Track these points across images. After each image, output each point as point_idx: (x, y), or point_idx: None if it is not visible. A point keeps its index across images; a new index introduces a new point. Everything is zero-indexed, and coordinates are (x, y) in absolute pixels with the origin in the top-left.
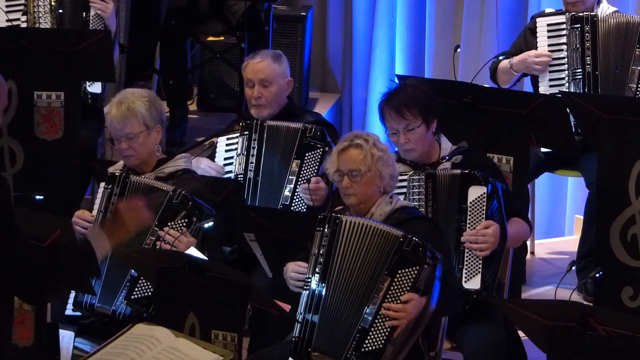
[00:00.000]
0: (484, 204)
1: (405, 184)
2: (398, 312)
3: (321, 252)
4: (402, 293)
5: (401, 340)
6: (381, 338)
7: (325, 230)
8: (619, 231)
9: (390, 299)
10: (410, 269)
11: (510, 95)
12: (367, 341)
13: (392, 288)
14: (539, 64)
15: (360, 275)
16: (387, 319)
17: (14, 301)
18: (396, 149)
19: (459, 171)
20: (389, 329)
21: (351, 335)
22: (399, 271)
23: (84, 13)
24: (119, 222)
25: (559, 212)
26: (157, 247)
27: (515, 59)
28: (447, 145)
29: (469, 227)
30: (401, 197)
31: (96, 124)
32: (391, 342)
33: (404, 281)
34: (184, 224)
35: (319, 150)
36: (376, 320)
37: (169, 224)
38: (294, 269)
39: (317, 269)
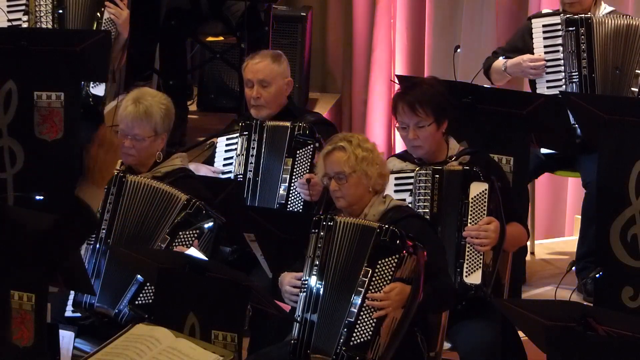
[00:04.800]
0: (486, 200)
1: (411, 180)
2: (381, 301)
3: (317, 254)
4: (385, 283)
5: (389, 331)
6: (368, 330)
7: (320, 232)
8: (619, 231)
9: (373, 290)
10: (390, 258)
11: (510, 96)
12: (354, 334)
13: (374, 279)
14: (533, 68)
15: (351, 272)
16: (371, 310)
17: (13, 301)
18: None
19: (460, 167)
20: (375, 320)
21: (340, 331)
22: (379, 261)
23: (98, 14)
24: (99, 164)
25: (559, 212)
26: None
27: (510, 62)
28: (455, 146)
29: (470, 223)
30: (407, 193)
31: (97, 126)
32: (379, 333)
33: (385, 271)
34: (195, 235)
35: (309, 147)
36: (361, 313)
37: (180, 233)
38: (289, 282)
39: (313, 271)
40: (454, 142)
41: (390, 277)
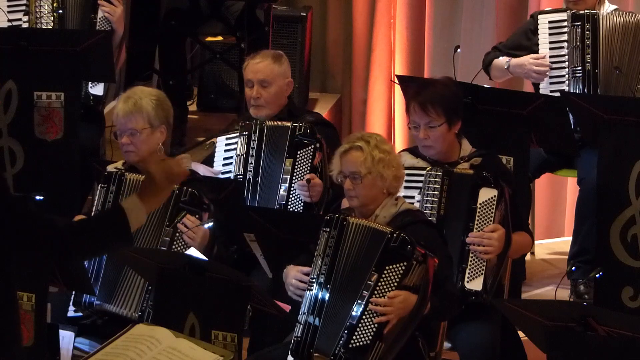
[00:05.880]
0: (493, 206)
1: (422, 178)
2: (385, 307)
3: (327, 253)
4: (390, 289)
5: (391, 337)
6: (369, 334)
7: (332, 231)
8: (619, 231)
9: (378, 295)
10: (398, 265)
11: (510, 96)
12: (354, 337)
13: (379, 284)
14: (537, 72)
15: (358, 274)
16: (374, 314)
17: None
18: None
19: (471, 171)
20: (376, 325)
21: (340, 332)
22: (387, 267)
23: (92, 15)
24: (154, 187)
25: (559, 212)
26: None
27: (514, 61)
28: (467, 147)
29: (476, 229)
30: (416, 192)
31: (97, 126)
32: (380, 338)
33: (392, 277)
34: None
35: (310, 148)
36: (364, 316)
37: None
38: (295, 276)
39: (322, 270)
40: (466, 143)
41: (396, 284)
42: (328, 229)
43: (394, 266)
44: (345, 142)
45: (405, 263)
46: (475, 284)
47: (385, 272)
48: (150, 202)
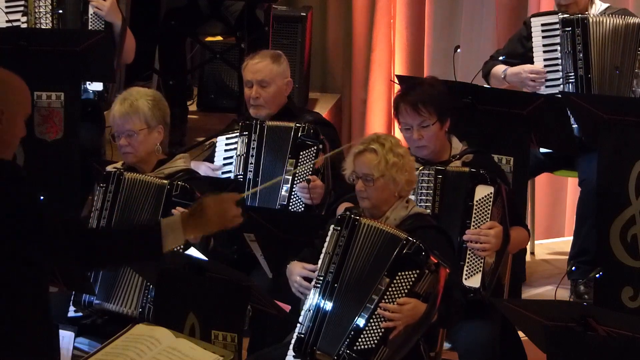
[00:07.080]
0: (490, 204)
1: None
2: (393, 313)
3: (336, 252)
4: (400, 295)
5: (396, 343)
6: (374, 338)
7: (343, 230)
8: (619, 231)
9: (387, 300)
10: (410, 272)
11: (510, 96)
12: (360, 340)
13: (390, 289)
14: (533, 80)
15: (367, 277)
16: (382, 319)
17: None
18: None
19: (467, 169)
20: (383, 330)
21: (346, 333)
22: (399, 273)
23: (84, 14)
24: (202, 219)
25: (559, 212)
26: None
27: (510, 71)
28: (457, 146)
29: (473, 226)
30: (410, 192)
31: (97, 126)
32: (385, 343)
33: (403, 284)
34: None
35: (312, 149)
36: (371, 320)
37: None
38: (300, 273)
39: (330, 269)
40: (456, 142)
41: (406, 291)
42: (339, 228)
43: (406, 273)
44: (361, 142)
45: (417, 271)
46: (473, 281)
47: (397, 278)
48: (192, 229)
